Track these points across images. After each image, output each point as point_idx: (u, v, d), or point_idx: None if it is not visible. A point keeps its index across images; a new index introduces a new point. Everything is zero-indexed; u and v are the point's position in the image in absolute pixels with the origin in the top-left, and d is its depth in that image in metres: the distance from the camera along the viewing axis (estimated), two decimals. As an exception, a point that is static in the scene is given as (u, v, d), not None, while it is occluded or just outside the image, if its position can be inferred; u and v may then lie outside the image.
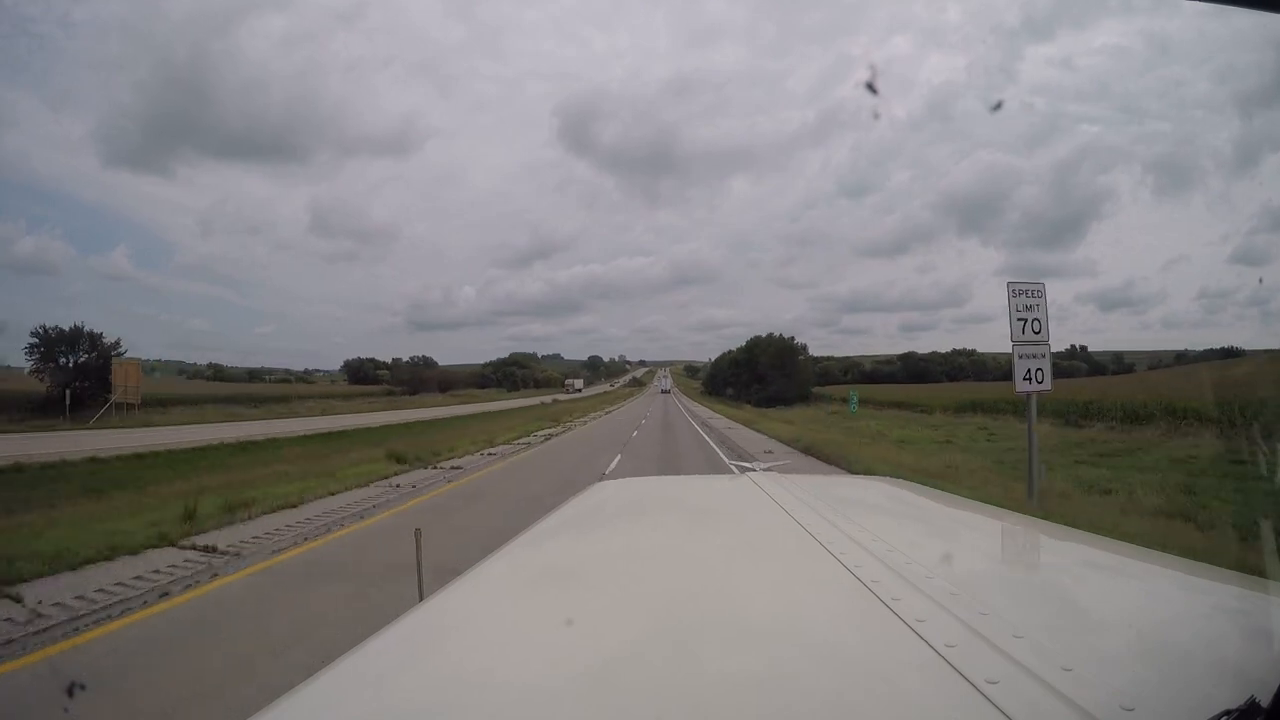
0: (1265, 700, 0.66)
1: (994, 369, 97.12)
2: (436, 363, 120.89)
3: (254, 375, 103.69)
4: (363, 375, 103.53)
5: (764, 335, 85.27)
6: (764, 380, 75.01)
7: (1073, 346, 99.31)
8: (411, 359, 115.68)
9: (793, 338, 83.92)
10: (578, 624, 1.00)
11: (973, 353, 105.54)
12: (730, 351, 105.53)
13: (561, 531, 1.83)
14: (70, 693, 3.98)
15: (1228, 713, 0.66)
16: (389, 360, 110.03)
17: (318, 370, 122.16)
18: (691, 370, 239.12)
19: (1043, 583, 1.33)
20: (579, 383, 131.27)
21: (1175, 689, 0.79)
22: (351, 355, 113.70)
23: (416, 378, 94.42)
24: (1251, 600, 1.08)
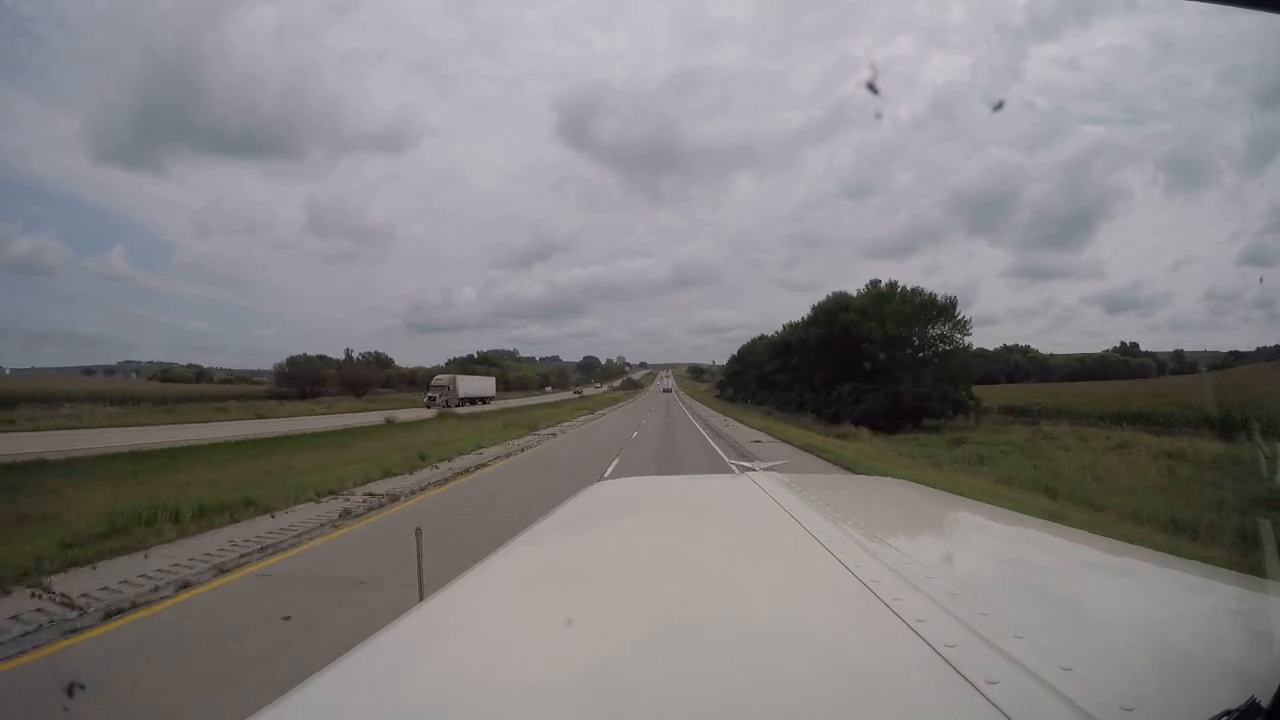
0: (1265, 700, 0.66)
1: (1058, 368, 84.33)
2: (391, 360, 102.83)
3: (202, 375, 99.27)
4: (305, 374, 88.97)
5: (870, 287, 44.65)
6: (879, 375, 37.48)
7: (1123, 343, 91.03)
8: (363, 355, 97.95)
9: (932, 294, 42.45)
10: (578, 624, 1.00)
11: (1027, 349, 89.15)
12: (769, 335, 67.88)
13: (561, 531, 1.82)
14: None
15: (1228, 713, 0.66)
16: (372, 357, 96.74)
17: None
18: (696, 371, 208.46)
19: (1043, 583, 1.31)
20: (469, 383, 60.91)
21: (1175, 689, 0.79)
22: (352, 355, 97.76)
23: (304, 377, 66.84)
24: (1251, 600, 1.09)
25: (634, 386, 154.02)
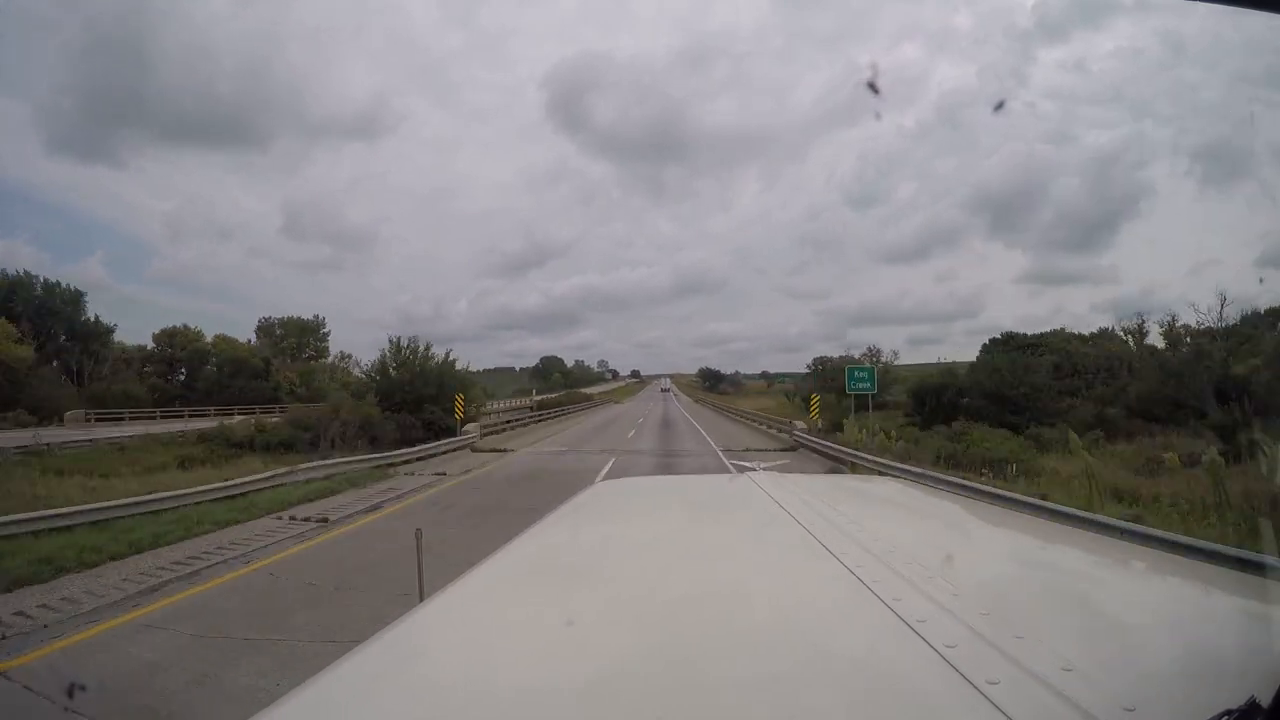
0: (1265, 700, 0.66)
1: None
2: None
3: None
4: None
5: None
6: None
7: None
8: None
9: None
10: (578, 625, 1.01)
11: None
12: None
13: (561, 531, 1.81)
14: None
15: (1228, 713, 0.66)
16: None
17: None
18: (710, 378, 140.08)
19: (1043, 583, 1.31)
20: None
21: (1175, 689, 0.79)
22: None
23: None
24: (1251, 600, 1.10)
25: (587, 400, 61.98)
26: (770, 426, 27.15)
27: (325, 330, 65.15)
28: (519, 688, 0.82)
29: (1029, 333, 40.21)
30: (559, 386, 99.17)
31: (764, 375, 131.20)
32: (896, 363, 47.27)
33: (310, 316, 65.58)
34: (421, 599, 1.28)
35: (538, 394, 59.54)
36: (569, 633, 0.98)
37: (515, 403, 49.80)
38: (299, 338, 64.02)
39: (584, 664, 0.88)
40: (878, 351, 46.36)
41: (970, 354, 41.70)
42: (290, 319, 65.08)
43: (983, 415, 23.73)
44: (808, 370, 53.64)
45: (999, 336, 46.74)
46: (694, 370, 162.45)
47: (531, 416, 34.16)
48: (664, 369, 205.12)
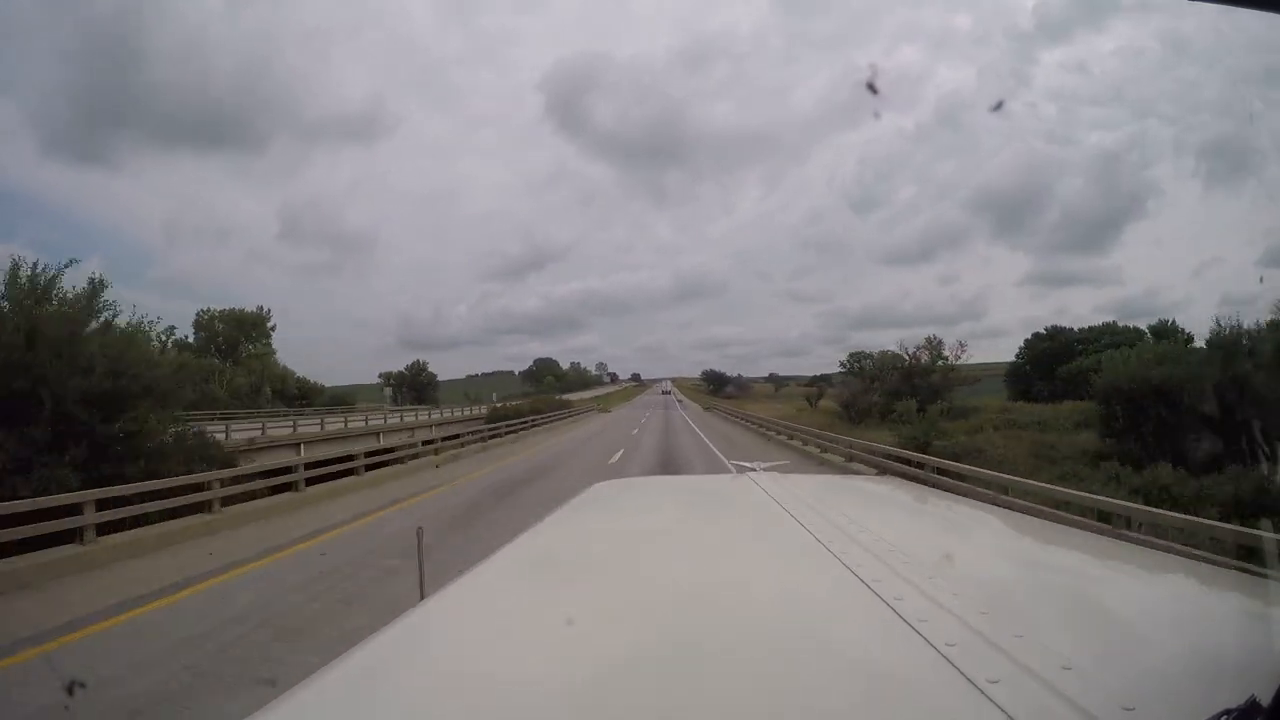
0: (1265, 700, 0.66)
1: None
2: None
3: None
4: None
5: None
6: None
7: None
8: None
9: None
10: (578, 624, 1.01)
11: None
12: None
13: (562, 531, 1.83)
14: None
15: (1228, 712, 0.66)
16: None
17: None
18: (715, 381, 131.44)
19: (1043, 582, 1.32)
20: None
21: (1175, 688, 0.80)
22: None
23: None
24: (1251, 600, 1.12)
25: (497, 421, 28.35)
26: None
27: (271, 324, 55.82)
28: (520, 684, 0.83)
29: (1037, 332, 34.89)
30: (551, 390, 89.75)
31: (772, 378, 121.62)
32: (964, 360, 32.87)
33: (253, 308, 56.62)
34: (423, 597, 1.28)
35: (499, 400, 49.99)
36: (569, 630, 0.99)
37: (473, 411, 40.24)
38: (237, 332, 54.78)
39: (584, 661, 0.89)
40: (939, 343, 33.41)
41: (977, 356, 34.70)
42: (230, 311, 55.88)
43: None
44: (843, 368, 42.89)
45: (1043, 331, 36.45)
46: (696, 374, 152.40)
47: (472, 436, 22.23)
48: (665, 373, 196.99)
